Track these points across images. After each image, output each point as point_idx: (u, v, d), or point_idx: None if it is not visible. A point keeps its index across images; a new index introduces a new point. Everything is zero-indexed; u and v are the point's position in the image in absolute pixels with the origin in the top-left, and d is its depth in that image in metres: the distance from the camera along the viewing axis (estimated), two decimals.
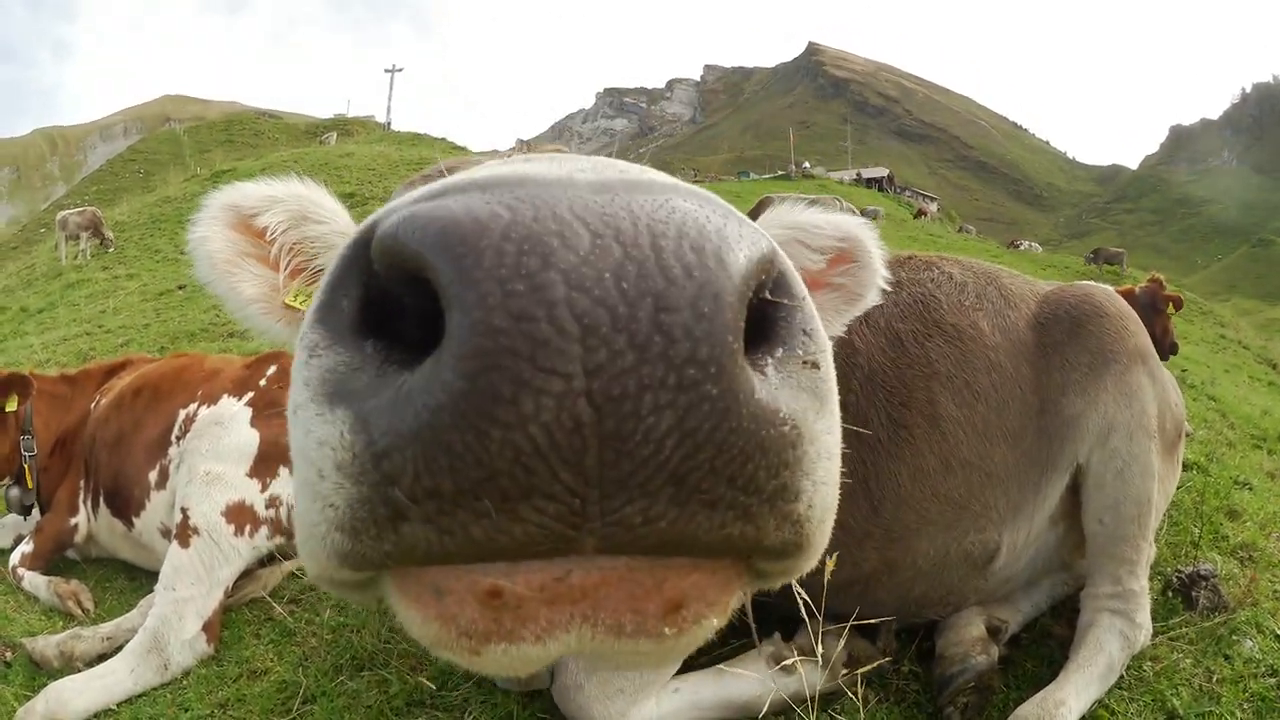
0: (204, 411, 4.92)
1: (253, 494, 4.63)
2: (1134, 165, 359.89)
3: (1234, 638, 3.54)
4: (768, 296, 0.92)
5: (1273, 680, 3.32)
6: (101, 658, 4.49)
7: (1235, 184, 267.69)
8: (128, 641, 4.48)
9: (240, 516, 4.56)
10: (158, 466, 5.04)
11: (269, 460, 4.72)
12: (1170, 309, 8.48)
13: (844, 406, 2.47)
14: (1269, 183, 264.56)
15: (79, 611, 5.07)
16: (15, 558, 5.43)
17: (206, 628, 4.40)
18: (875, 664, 3.31)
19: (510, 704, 3.54)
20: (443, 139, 57.54)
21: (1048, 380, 3.41)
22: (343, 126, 75.30)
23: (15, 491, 5.74)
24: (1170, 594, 3.89)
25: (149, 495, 5.06)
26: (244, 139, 77.44)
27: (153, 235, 24.80)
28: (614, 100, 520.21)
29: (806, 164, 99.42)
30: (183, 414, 5.04)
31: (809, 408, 0.93)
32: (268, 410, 4.77)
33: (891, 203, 75.05)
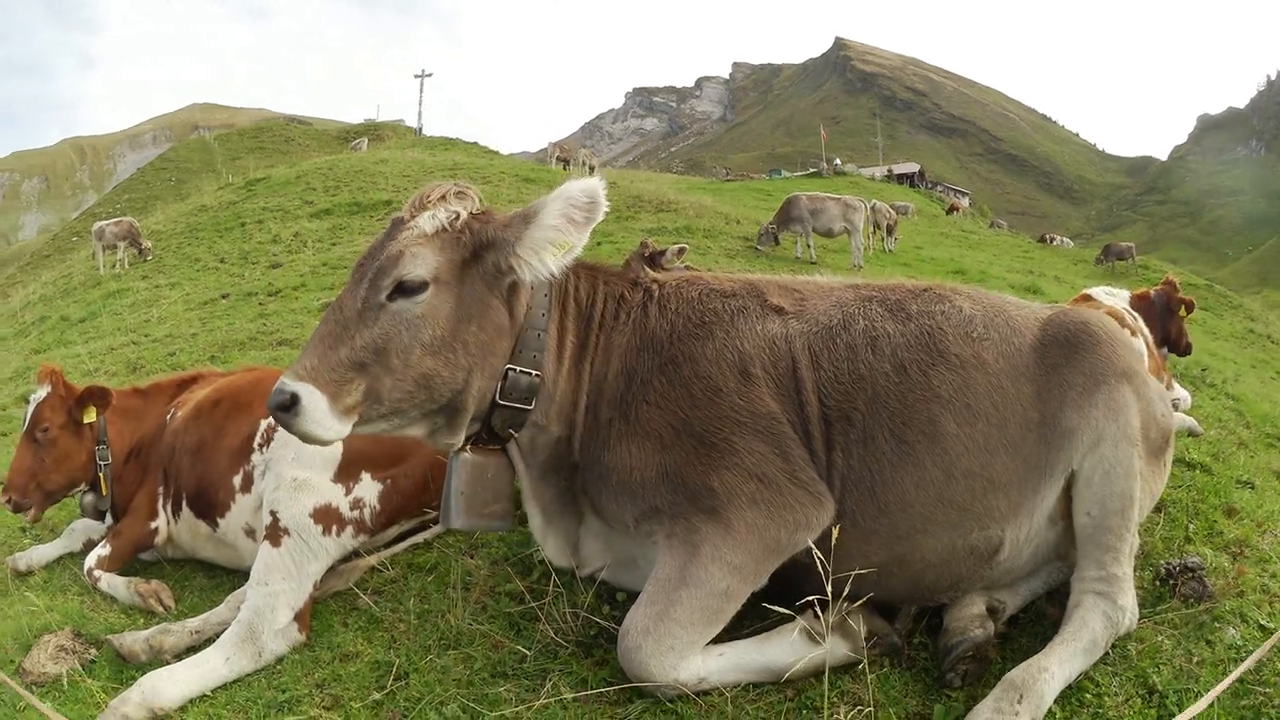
0: None
1: (338, 497, 5.03)
2: (1163, 156, 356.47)
3: (1216, 625, 3.87)
4: None
5: (1253, 666, 3.58)
6: (189, 650, 4.85)
7: (1263, 173, 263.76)
8: (216, 635, 4.86)
9: (327, 518, 4.93)
10: (241, 472, 5.41)
11: (352, 466, 5.11)
12: (1182, 311, 8.70)
13: (850, 422, 3.77)
14: None
15: (160, 609, 5.45)
16: (91, 560, 5.72)
17: (298, 618, 4.75)
18: (890, 639, 3.86)
19: (584, 671, 4.06)
20: (475, 143, 57.74)
21: (1047, 396, 3.92)
22: (373, 132, 75.61)
23: (90, 497, 6.11)
24: (1158, 583, 4.26)
25: (233, 498, 5.44)
26: (275, 145, 77.73)
27: (191, 244, 25.07)
28: (643, 99, 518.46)
29: (838, 161, 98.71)
30: (264, 424, 5.36)
31: None
32: None
33: (923, 198, 74.77)
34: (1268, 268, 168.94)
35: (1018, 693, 3.41)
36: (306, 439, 3.52)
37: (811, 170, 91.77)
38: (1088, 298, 8.30)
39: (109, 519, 6.16)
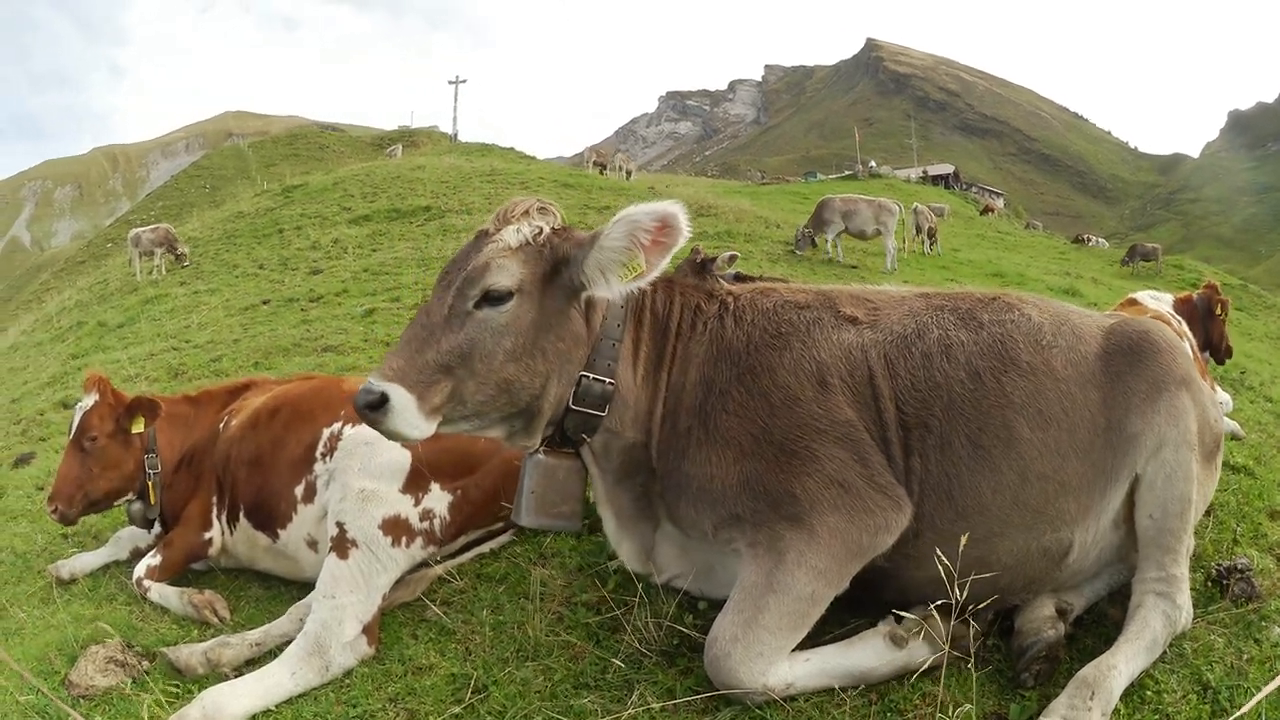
0: (349, 431, 5.18)
1: (407, 508, 4.96)
2: (1195, 153, 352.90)
3: (1263, 624, 4.05)
4: None
5: None
6: (249, 664, 4.75)
7: None
8: (278, 648, 4.79)
9: (396, 529, 4.87)
10: (303, 482, 5.34)
11: (421, 477, 5.03)
12: (1219, 310, 8.73)
13: (928, 428, 3.89)
14: None
15: (216, 620, 5.33)
16: (140, 570, 5.63)
17: (366, 630, 4.65)
18: (977, 641, 3.91)
19: (669, 681, 4.08)
20: (511, 149, 57.78)
21: (1112, 403, 4.05)
22: (408, 138, 75.95)
23: (138, 506, 6.00)
24: (1209, 584, 4.40)
25: (295, 509, 5.36)
26: (309, 153, 78.03)
27: (229, 250, 25.15)
28: (676, 103, 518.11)
29: (873, 163, 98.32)
30: (326, 433, 5.32)
31: None
32: None
33: (958, 200, 74.49)
34: None
35: (1090, 690, 3.54)
36: (394, 437, 3.64)
37: (846, 173, 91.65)
38: (1133, 302, 8.31)
39: (157, 527, 6.10)
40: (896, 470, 3.91)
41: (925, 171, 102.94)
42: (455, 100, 78.40)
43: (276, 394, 5.98)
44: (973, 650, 3.88)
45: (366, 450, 5.00)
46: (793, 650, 3.80)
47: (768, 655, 3.69)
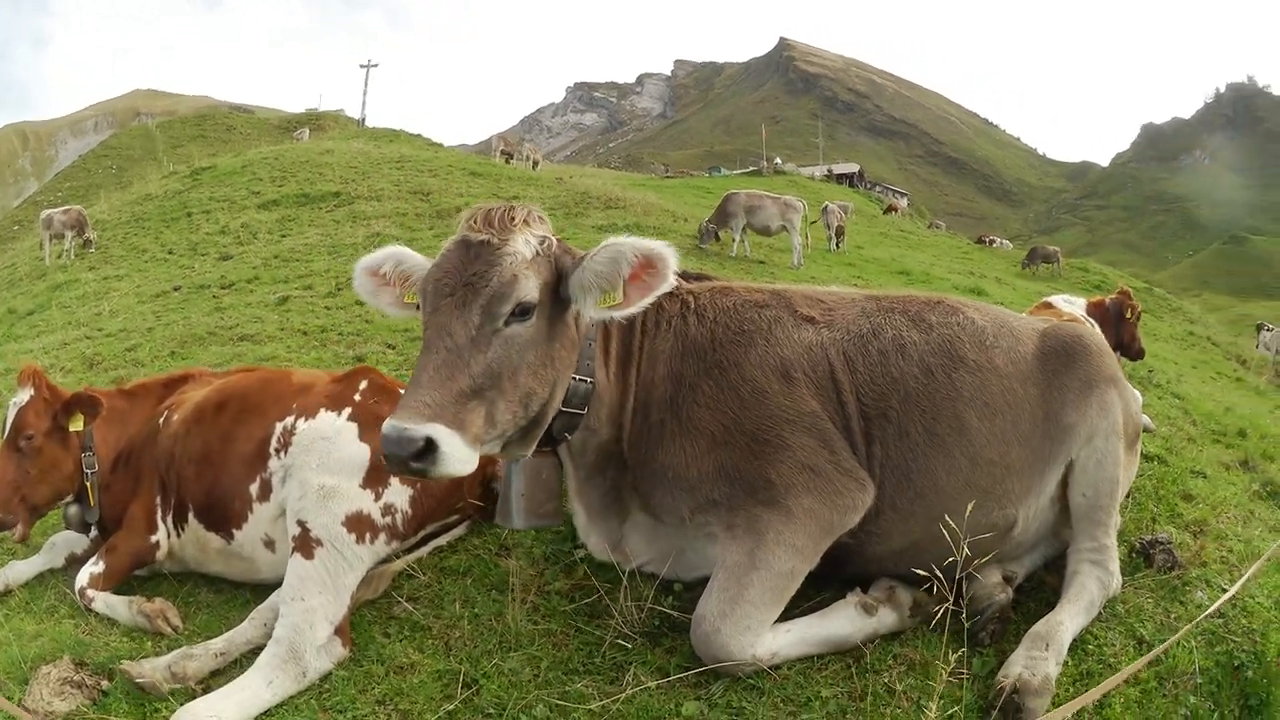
0: (303, 425, 5.05)
1: (368, 504, 4.82)
2: (1104, 163, 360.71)
3: (1186, 589, 4.84)
4: None
5: (1219, 620, 4.56)
6: (214, 675, 4.52)
7: (1209, 183, 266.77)
8: (243, 655, 4.61)
9: (359, 525, 4.73)
10: (258, 479, 5.13)
11: (379, 471, 4.87)
12: (1129, 314, 9.31)
13: (887, 419, 4.44)
14: (1243, 181, 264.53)
15: (169, 630, 4.99)
16: (84, 578, 5.24)
17: (339, 632, 4.52)
18: (939, 608, 4.15)
19: (657, 660, 4.34)
20: (419, 135, 57.34)
21: (1049, 398, 4.65)
22: (315, 122, 74.97)
23: (75, 509, 5.68)
24: (1134, 555, 5.15)
25: (250, 508, 5.14)
26: (217, 134, 76.81)
27: (137, 234, 24.55)
28: (584, 94, 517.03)
29: (778, 160, 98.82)
30: (279, 427, 5.13)
31: None
32: (372, 424, 4.91)
33: (862, 198, 74.86)
34: (1208, 272, 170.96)
35: (1044, 642, 4.10)
36: (443, 479, 3.60)
37: (751, 168, 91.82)
38: (1048, 305, 8.81)
39: (94, 531, 5.78)
40: (859, 456, 4.33)
41: (830, 170, 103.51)
42: (365, 84, 77.22)
43: (220, 387, 5.73)
44: (933, 616, 4.24)
45: (324, 445, 4.89)
46: (774, 623, 4.15)
47: (754, 629, 4.02)
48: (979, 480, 4.41)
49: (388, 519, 4.90)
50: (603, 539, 4.66)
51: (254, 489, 5.14)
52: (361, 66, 78.44)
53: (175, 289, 16.33)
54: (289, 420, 5.13)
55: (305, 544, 4.62)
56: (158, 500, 5.50)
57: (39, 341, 14.23)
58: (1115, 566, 4.62)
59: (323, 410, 5.07)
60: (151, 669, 4.39)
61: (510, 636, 4.59)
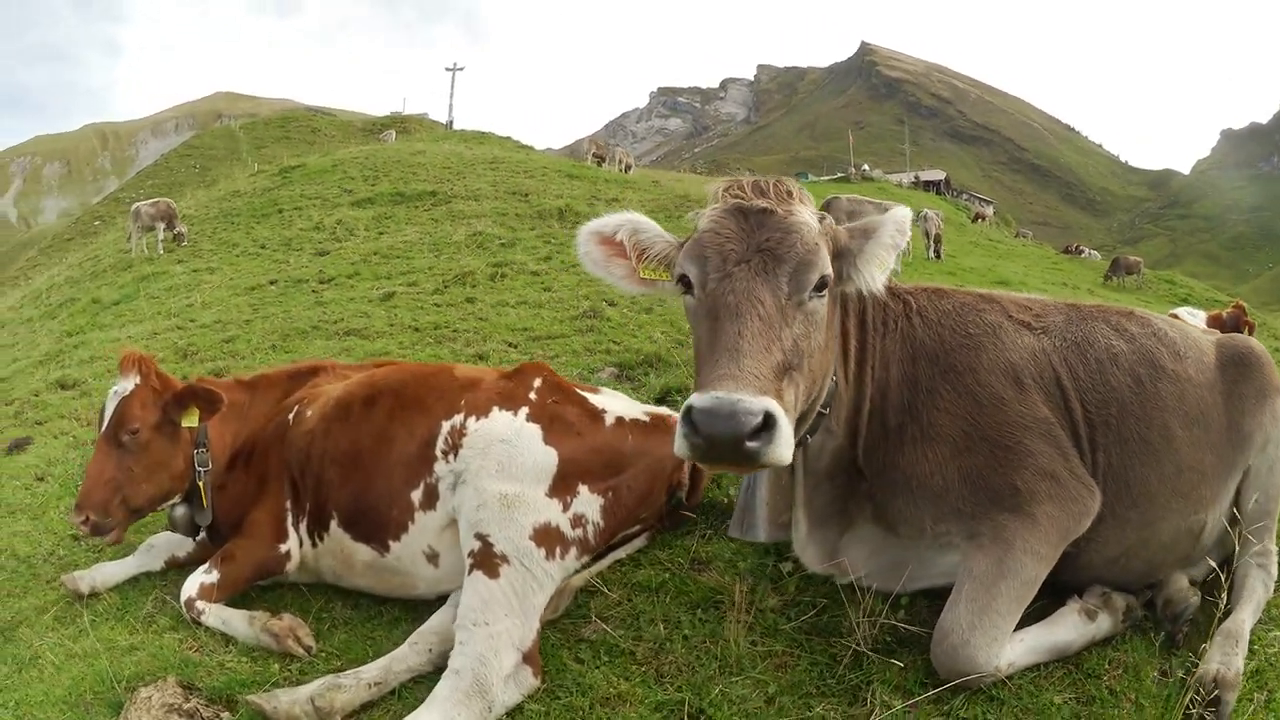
0: (475, 424, 4.60)
1: (557, 515, 4.37)
2: (1185, 170, 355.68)
3: None
4: None
5: None
6: (363, 707, 4.02)
7: None
8: (401, 685, 4.16)
9: (549, 539, 4.28)
10: (421, 485, 4.65)
11: (568, 478, 4.46)
12: (1245, 332, 9.55)
13: (1108, 426, 4.41)
14: None
15: (300, 651, 4.47)
16: (193, 588, 4.74)
17: (528, 658, 4.05)
18: (1137, 612, 4.44)
19: (896, 678, 4.04)
20: (509, 137, 57.28)
21: (1230, 406, 4.64)
22: (400, 124, 75.37)
23: (183, 510, 5.14)
24: None
25: (411, 517, 4.66)
26: (301, 135, 77.50)
27: (226, 229, 24.54)
28: (668, 99, 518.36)
29: (865, 166, 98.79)
30: (446, 426, 4.66)
31: None
32: (555, 426, 4.50)
33: (949, 206, 74.96)
34: None
35: (1235, 640, 4.11)
36: (771, 466, 3.13)
37: (839, 175, 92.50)
38: (1175, 317, 8.77)
39: (202, 534, 5.26)
40: (1086, 462, 4.25)
41: (917, 176, 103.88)
42: (452, 87, 77.75)
43: (367, 381, 5.13)
44: (1140, 620, 4.44)
45: (504, 449, 4.39)
46: None
47: (1000, 639, 3.89)
48: (1182, 487, 4.43)
49: (578, 531, 4.46)
50: (819, 550, 4.39)
51: (417, 496, 4.67)
52: (447, 70, 79.32)
53: (271, 283, 16.16)
54: (457, 419, 4.64)
55: (488, 560, 4.16)
56: (288, 505, 4.98)
57: (126, 331, 14.15)
58: (1275, 569, 4.68)
59: (495, 409, 4.59)
60: (290, 701, 3.86)
61: (731, 660, 4.17)
